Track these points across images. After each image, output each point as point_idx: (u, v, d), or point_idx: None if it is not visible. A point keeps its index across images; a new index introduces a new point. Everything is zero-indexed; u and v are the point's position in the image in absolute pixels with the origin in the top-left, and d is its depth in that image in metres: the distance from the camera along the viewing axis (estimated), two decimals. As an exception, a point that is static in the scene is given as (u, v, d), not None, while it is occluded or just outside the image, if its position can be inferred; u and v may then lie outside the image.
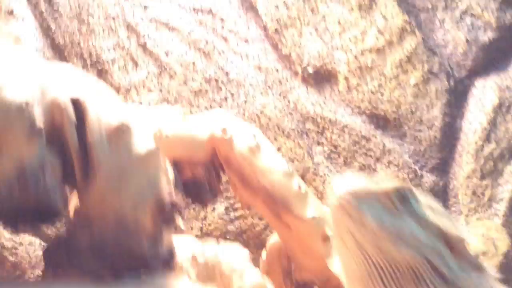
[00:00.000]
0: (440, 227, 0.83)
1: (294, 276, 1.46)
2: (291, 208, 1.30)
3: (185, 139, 1.30)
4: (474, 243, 1.70)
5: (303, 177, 1.72)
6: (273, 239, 1.58)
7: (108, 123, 0.75)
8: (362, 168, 1.87)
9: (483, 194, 1.98)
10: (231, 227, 1.79)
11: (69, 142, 0.73)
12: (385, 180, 0.87)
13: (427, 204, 0.87)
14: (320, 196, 1.45)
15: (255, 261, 1.30)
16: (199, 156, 1.30)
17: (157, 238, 0.81)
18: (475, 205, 1.97)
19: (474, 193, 1.98)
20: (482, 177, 1.98)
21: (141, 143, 0.78)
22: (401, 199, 0.82)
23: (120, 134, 0.74)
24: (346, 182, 0.83)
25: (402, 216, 0.81)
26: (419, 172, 1.94)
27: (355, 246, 0.79)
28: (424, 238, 0.82)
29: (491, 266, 0.87)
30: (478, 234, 1.87)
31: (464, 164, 1.99)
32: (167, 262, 0.87)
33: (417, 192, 0.88)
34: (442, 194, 1.95)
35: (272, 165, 1.31)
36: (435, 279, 0.80)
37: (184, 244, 0.96)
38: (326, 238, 1.34)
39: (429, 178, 1.95)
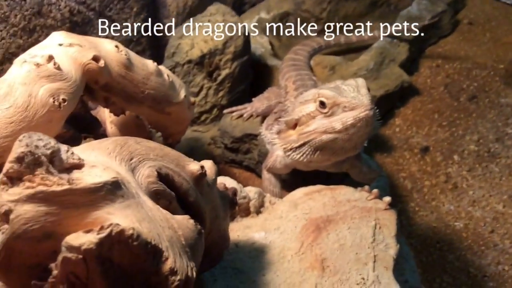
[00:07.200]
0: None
1: (166, 142, 1.62)
2: (170, 100, 1.39)
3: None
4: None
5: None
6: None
7: (189, 175, 0.85)
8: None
9: None
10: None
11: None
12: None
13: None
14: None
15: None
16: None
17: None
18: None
19: None
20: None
21: (208, 174, 0.91)
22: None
23: (201, 178, 0.87)
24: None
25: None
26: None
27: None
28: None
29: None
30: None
31: None
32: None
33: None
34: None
35: (146, 69, 1.30)
36: None
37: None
38: (191, 104, 1.53)
39: None
